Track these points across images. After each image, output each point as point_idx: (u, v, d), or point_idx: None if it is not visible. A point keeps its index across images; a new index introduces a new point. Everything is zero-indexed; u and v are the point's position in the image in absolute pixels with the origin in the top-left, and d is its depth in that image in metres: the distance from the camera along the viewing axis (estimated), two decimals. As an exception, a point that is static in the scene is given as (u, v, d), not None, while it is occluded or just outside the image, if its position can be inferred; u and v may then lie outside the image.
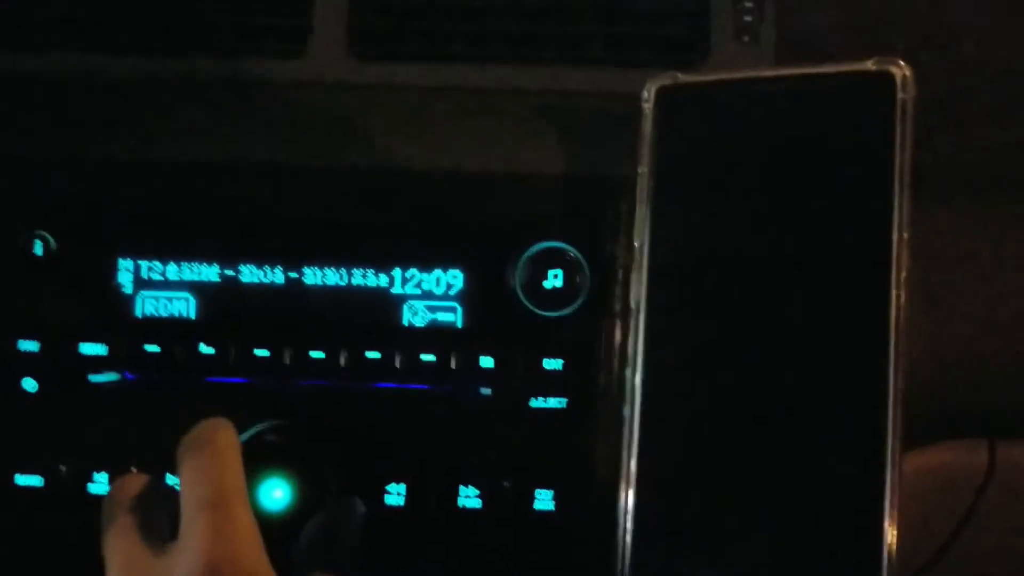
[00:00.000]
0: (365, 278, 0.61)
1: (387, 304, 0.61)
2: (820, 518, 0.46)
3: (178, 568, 0.42)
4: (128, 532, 0.46)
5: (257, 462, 0.57)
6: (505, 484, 0.60)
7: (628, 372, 0.50)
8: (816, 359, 0.47)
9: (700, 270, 0.50)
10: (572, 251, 0.58)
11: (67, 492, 0.61)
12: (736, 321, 0.49)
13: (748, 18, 0.63)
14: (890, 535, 0.43)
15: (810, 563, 0.46)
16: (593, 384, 0.59)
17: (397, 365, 0.60)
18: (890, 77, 0.47)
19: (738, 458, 0.48)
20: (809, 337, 0.47)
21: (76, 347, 0.61)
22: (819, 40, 0.66)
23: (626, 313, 0.52)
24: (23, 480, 0.61)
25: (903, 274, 0.46)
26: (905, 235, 0.46)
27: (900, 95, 0.47)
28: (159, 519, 0.48)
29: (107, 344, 0.61)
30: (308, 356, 0.60)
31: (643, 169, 0.51)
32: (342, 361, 0.60)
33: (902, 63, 0.47)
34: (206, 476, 0.45)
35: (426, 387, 0.61)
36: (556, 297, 0.58)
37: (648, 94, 0.52)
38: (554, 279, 0.58)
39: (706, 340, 0.49)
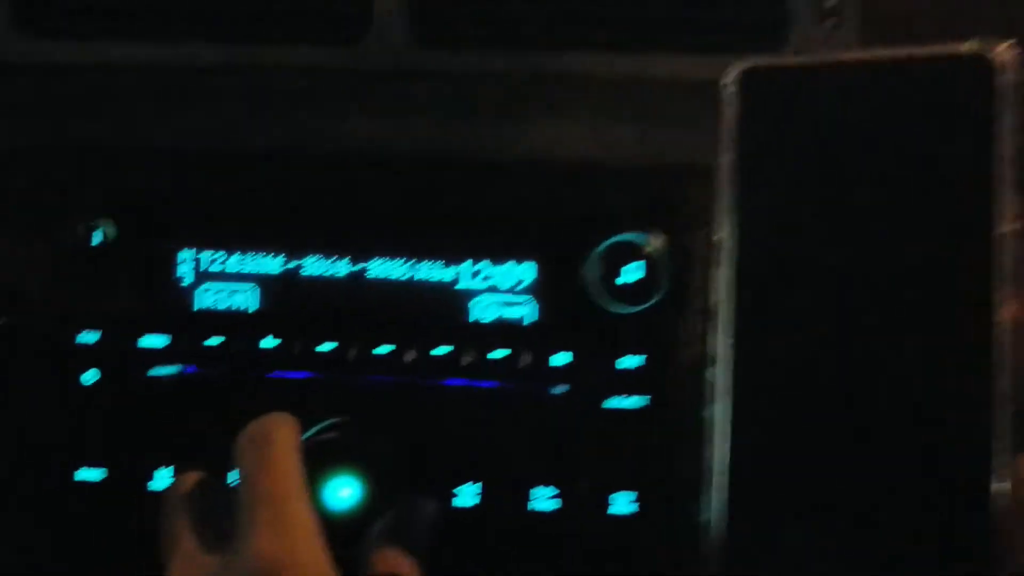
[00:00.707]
0: (431, 272, 0.60)
1: (454, 299, 0.59)
2: (921, 529, 0.44)
3: (236, 566, 0.42)
4: (187, 530, 0.46)
5: (323, 460, 0.56)
6: (582, 485, 0.58)
7: (711, 370, 0.48)
8: (915, 358, 0.45)
9: (788, 263, 0.47)
10: (650, 244, 0.56)
11: (127, 487, 0.60)
12: (827, 317, 0.47)
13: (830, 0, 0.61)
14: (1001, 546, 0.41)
15: (915, 551, 0.43)
16: (673, 383, 0.57)
17: (466, 361, 0.58)
18: (989, 60, 0.45)
19: (831, 462, 0.45)
20: (907, 335, 0.45)
21: (136, 340, 0.60)
22: (905, 22, 0.63)
23: (707, 308, 0.50)
24: (83, 475, 0.60)
25: (1006, 270, 0.43)
26: (1007, 230, 0.43)
27: (1000, 79, 0.44)
28: (218, 517, 0.47)
29: (168, 337, 0.60)
30: (373, 352, 0.59)
31: (725, 158, 0.49)
32: (408, 358, 0.59)
33: (1003, 44, 0.45)
34: (264, 473, 0.44)
35: (496, 385, 0.59)
36: (633, 292, 0.56)
37: (731, 79, 0.50)
38: (632, 273, 0.56)
39: (795, 337, 0.47)
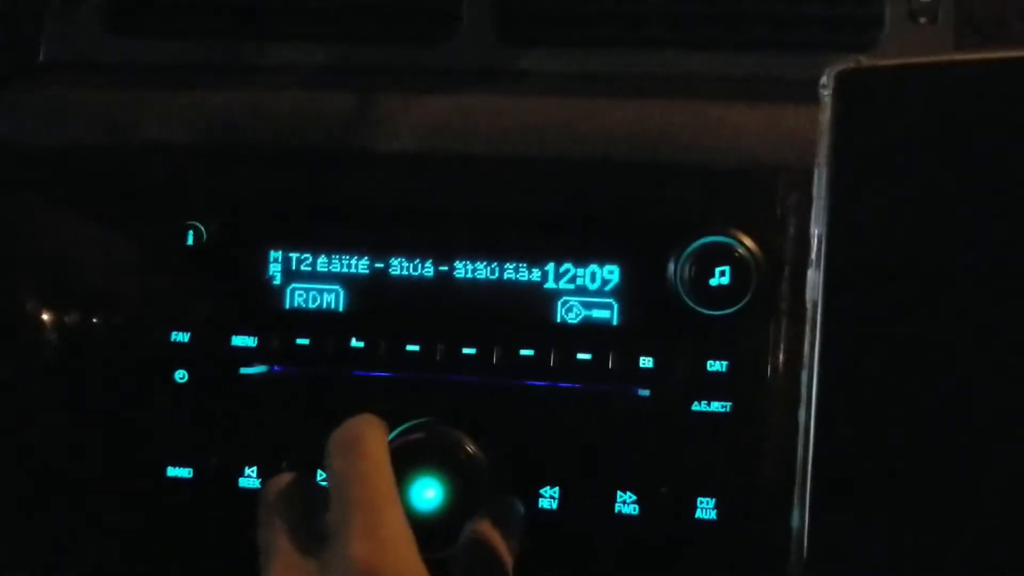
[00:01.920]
0: (517, 273, 0.59)
1: (540, 300, 0.59)
2: (1011, 545, 0.42)
3: (333, 569, 0.42)
4: (284, 529, 0.46)
5: (408, 461, 0.56)
6: (664, 491, 0.57)
7: (803, 375, 0.47)
8: (1017, 366, 0.44)
9: (883, 267, 0.46)
10: (739, 247, 0.55)
11: (217, 485, 0.60)
12: (924, 322, 0.45)
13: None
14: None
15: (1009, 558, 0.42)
16: (760, 387, 0.56)
17: (552, 363, 0.58)
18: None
19: (925, 471, 0.44)
20: (1010, 342, 0.44)
21: (228, 339, 0.61)
22: (998, 22, 0.61)
23: (796, 312, 0.49)
24: (174, 472, 0.61)
25: None
26: None
27: None
28: (314, 517, 0.47)
29: (257, 336, 0.60)
30: (460, 352, 0.59)
31: (821, 159, 0.48)
32: (495, 358, 0.58)
33: None
34: (356, 477, 0.45)
35: (580, 386, 0.58)
36: (721, 295, 0.55)
37: (827, 80, 0.49)
38: (720, 276, 0.55)
39: (890, 342, 0.46)
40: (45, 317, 0.59)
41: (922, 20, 0.59)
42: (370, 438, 0.47)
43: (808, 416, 0.46)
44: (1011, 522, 0.42)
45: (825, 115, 0.48)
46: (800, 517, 0.45)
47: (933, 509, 0.44)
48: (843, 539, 0.45)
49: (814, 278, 0.47)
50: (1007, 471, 0.43)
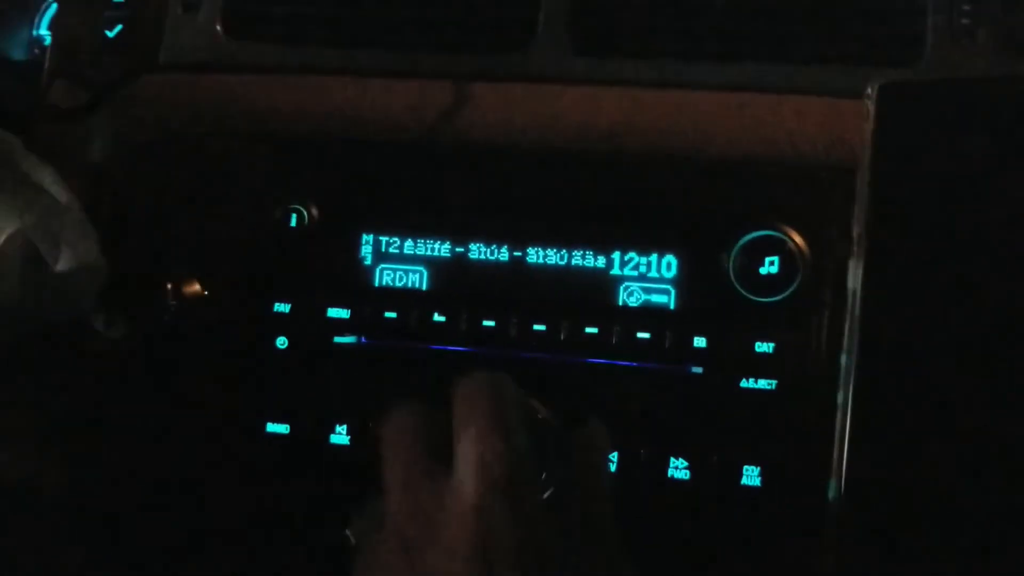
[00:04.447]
0: (584, 259, 0.62)
1: (604, 284, 0.62)
2: None
3: (450, 496, 0.42)
4: (406, 458, 0.46)
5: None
6: (714, 458, 0.60)
7: (843, 358, 0.49)
8: None
9: (919, 261, 0.48)
10: (788, 240, 0.58)
11: (310, 440, 0.65)
12: (954, 313, 0.48)
13: (965, 20, 0.62)
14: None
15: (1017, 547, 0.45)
16: (804, 368, 0.59)
17: (614, 341, 0.61)
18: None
19: (955, 451, 0.46)
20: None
21: (324, 311, 0.65)
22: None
23: (839, 300, 0.51)
24: (272, 428, 0.65)
25: None
26: None
27: None
28: (436, 448, 0.46)
29: (350, 309, 0.64)
30: (531, 329, 0.62)
31: (864, 162, 0.51)
32: (562, 335, 0.62)
33: None
34: (481, 410, 0.45)
35: (638, 364, 0.61)
36: (769, 283, 0.58)
37: (871, 91, 0.52)
38: (770, 266, 0.58)
39: (923, 330, 0.48)
40: (168, 286, 0.64)
41: (962, 40, 0.62)
42: (500, 381, 0.47)
43: (846, 396, 0.49)
44: None
45: (868, 122, 0.51)
46: (836, 489, 0.47)
47: (962, 490, 0.47)
48: (876, 512, 0.48)
49: (854, 269, 0.50)
50: None
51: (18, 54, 0.85)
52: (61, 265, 0.51)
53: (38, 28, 0.84)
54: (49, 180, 0.53)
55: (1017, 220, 0.47)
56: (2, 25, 0.84)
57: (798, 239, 0.58)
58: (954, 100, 0.50)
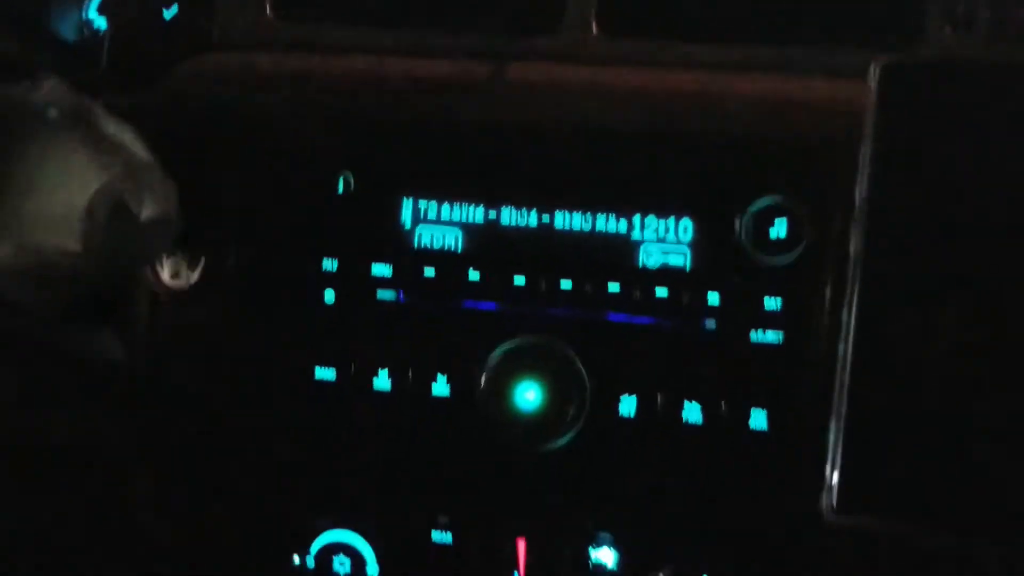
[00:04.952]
0: (607, 224, 0.67)
1: (625, 246, 0.66)
2: (1018, 455, 0.49)
3: None
4: None
5: (514, 368, 0.65)
6: (724, 404, 0.64)
7: (844, 313, 0.54)
8: (1018, 306, 0.50)
9: (915, 227, 0.53)
10: (796, 206, 0.62)
11: (355, 385, 0.69)
12: (948, 276, 0.52)
13: (964, 6, 0.66)
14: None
15: (1003, 497, 0.49)
16: (809, 322, 0.63)
17: (634, 298, 0.65)
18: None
19: (945, 401, 0.50)
20: (1010, 287, 0.50)
21: (368, 268, 0.69)
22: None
23: (842, 261, 0.55)
24: (321, 373, 0.70)
25: None
26: None
27: None
28: None
29: (392, 267, 0.69)
30: (558, 287, 0.66)
31: (867, 136, 0.54)
32: (587, 291, 0.66)
33: None
34: None
35: (656, 320, 0.66)
36: (778, 245, 0.63)
37: (874, 70, 0.56)
38: (777, 228, 0.63)
39: (918, 289, 0.52)
40: (229, 244, 0.69)
41: (959, 25, 0.66)
42: None
43: (847, 348, 0.53)
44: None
45: (871, 99, 0.55)
46: (836, 432, 0.52)
47: (955, 448, 0.50)
48: (872, 454, 0.52)
49: (856, 234, 0.54)
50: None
51: (68, 36, 0.88)
52: (145, 215, 0.56)
53: (87, 12, 0.87)
54: (130, 139, 0.58)
55: (1009, 195, 0.52)
56: (53, 8, 0.88)
57: (806, 205, 0.63)
58: (953, 80, 0.54)
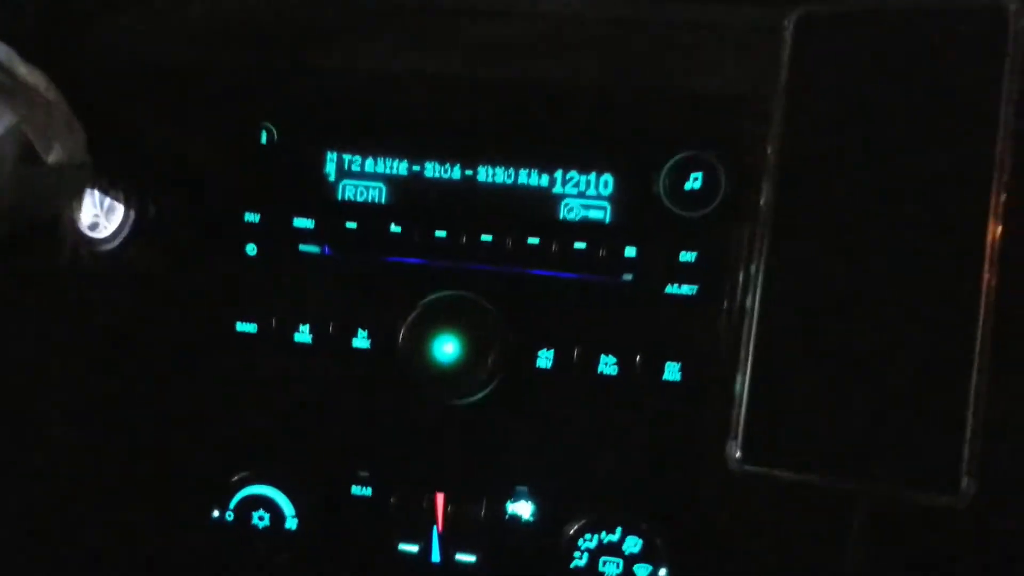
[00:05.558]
0: (529, 178, 0.67)
1: (546, 200, 0.66)
2: (913, 398, 0.48)
3: None
4: None
5: (434, 321, 0.65)
6: (639, 356, 0.64)
7: (753, 266, 0.54)
8: (919, 261, 0.50)
9: (822, 178, 0.52)
10: (711, 158, 0.63)
11: (276, 339, 0.69)
12: (851, 224, 0.51)
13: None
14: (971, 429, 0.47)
15: (901, 432, 0.48)
16: (722, 275, 0.63)
17: (553, 250, 0.65)
18: (1004, 10, 0.50)
19: (845, 353, 0.50)
20: (915, 241, 0.50)
21: (290, 221, 0.69)
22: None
23: (755, 215, 0.54)
24: (242, 327, 0.69)
25: (1002, 196, 0.48)
26: (1007, 159, 0.49)
27: (1012, 26, 0.50)
28: None
29: (314, 220, 0.68)
30: (479, 239, 0.66)
31: (780, 89, 0.55)
32: (508, 245, 0.66)
33: None
34: None
35: (575, 274, 0.66)
36: (694, 199, 0.63)
37: (788, 23, 0.56)
38: (693, 182, 0.63)
39: (823, 238, 0.52)
40: (150, 195, 0.68)
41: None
42: None
43: (754, 300, 0.53)
44: (921, 404, 0.48)
45: (785, 51, 0.55)
46: (741, 383, 0.52)
47: (851, 388, 0.50)
48: (775, 404, 0.52)
49: (766, 186, 0.54)
50: (915, 355, 0.50)
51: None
52: (53, 157, 0.55)
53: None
54: (43, 84, 0.56)
55: (918, 144, 0.52)
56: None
57: (721, 159, 0.63)
58: (864, 31, 0.55)
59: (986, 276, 0.48)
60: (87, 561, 0.69)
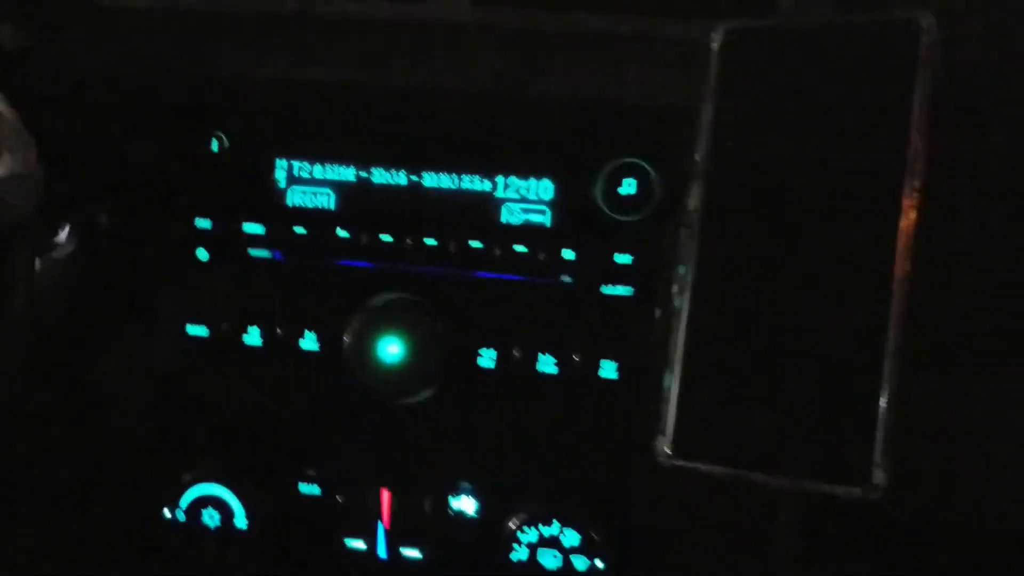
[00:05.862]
0: (472, 183, 0.69)
1: (489, 205, 0.68)
2: (828, 393, 0.50)
3: None
4: None
5: (378, 322, 0.66)
6: (577, 355, 0.67)
7: (682, 268, 0.56)
8: (837, 258, 0.52)
9: (747, 183, 0.54)
10: (645, 165, 0.64)
11: (226, 342, 0.70)
12: (775, 226, 0.53)
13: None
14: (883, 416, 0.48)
15: (817, 427, 0.50)
16: (656, 277, 0.65)
17: (496, 253, 0.67)
18: (916, 24, 0.53)
19: (772, 351, 0.52)
20: (833, 240, 0.52)
21: (240, 226, 0.70)
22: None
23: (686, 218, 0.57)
24: (193, 330, 0.71)
25: (915, 190, 0.51)
26: (919, 162, 0.51)
27: (924, 40, 0.52)
28: None
29: (264, 225, 0.70)
30: (424, 243, 0.68)
31: (708, 98, 0.57)
32: (451, 248, 0.68)
33: (927, 13, 0.53)
34: None
35: (517, 277, 0.68)
36: (630, 203, 0.65)
37: (716, 36, 0.58)
38: (628, 187, 0.65)
39: (748, 240, 0.53)
40: (103, 202, 0.69)
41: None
42: None
43: (683, 300, 0.55)
44: (837, 394, 0.50)
45: (713, 62, 0.57)
46: (671, 380, 0.54)
47: (775, 382, 0.51)
48: (704, 401, 0.53)
49: (695, 192, 0.56)
50: (832, 349, 0.52)
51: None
52: (2, 170, 0.56)
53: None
54: (-8, 99, 0.58)
55: (836, 150, 0.54)
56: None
57: (655, 166, 0.65)
58: (786, 44, 0.57)
59: (897, 270, 0.50)
60: (37, 562, 0.70)
